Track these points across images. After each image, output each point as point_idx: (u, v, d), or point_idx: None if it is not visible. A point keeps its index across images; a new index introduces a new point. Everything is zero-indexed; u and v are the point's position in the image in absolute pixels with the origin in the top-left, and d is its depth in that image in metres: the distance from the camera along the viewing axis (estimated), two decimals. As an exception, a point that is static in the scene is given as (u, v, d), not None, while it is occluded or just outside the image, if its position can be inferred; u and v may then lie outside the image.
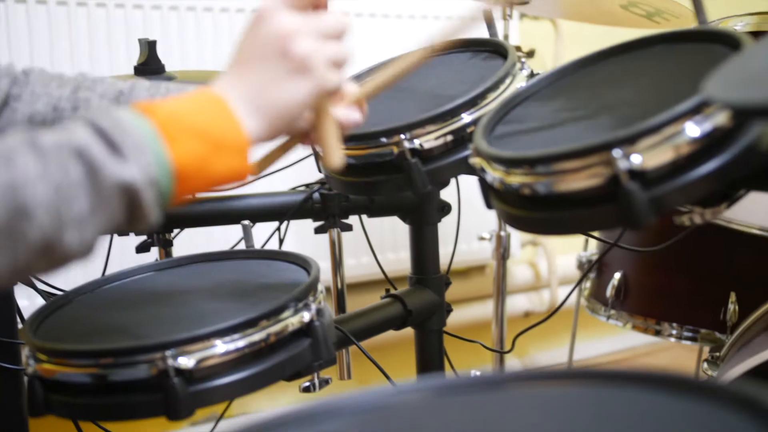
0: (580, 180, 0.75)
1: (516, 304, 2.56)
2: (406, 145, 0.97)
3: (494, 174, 0.82)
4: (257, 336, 0.87)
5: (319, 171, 1.09)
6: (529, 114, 0.92)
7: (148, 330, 0.91)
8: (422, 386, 0.53)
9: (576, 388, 0.51)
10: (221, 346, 0.85)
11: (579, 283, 1.73)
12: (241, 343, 0.86)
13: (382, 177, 0.99)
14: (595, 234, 1.39)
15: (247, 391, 0.89)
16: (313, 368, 1.08)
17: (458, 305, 2.28)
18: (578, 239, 1.77)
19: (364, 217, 1.35)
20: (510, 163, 0.78)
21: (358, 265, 2.01)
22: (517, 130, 0.89)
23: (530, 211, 0.79)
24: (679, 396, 0.47)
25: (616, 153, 0.72)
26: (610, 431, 0.45)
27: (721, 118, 0.73)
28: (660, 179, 0.73)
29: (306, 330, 0.92)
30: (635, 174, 0.72)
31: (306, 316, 0.91)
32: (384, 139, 0.98)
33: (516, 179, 0.79)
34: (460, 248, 2.33)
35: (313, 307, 0.92)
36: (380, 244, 2.00)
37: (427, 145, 0.97)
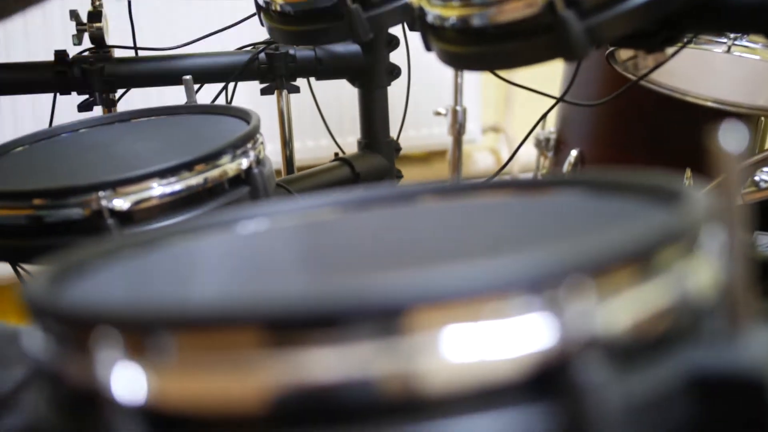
0: (516, 10, 0.73)
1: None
2: (347, -10, 0.94)
3: (432, 10, 0.80)
4: (194, 180, 0.86)
5: (261, 24, 1.06)
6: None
7: (84, 175, 0.90)
8: (331, 201, 0.52)
9: (490, 198, 0.51)
10: (157, 189, 0.84)
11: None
12: (177, 187, 0.85)
13: (324, 25, 0.97)
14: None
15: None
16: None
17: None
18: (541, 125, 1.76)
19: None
20: (446, -6, 0.77)
21: (315, 147, 1.99)
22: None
23: (468, 46, 0.78)
24: (595, 195, 0.47)
25: (552, -21, 0.70)
26: (517, 229, 0.44)
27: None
28: (595, 9, 0.72)
29: (245, 177, 0.91)
30: (570, 2, 0.71)
31: (244, 163, 0.90)
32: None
33: (453, 12, 0.77)
34: (419, 132, 2.32)
35: (252, 154, 0.91)
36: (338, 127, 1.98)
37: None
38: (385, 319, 0.30)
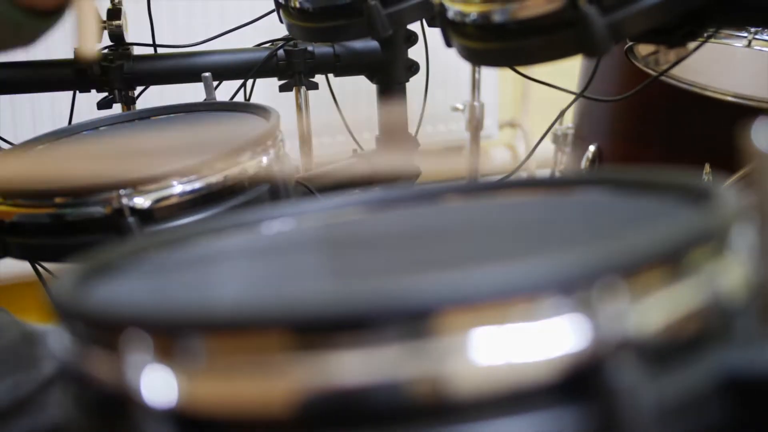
0: (538, 6, 0.73)
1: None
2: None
3: (453, 6, 0.80)
4: (214, 178, 0.86)
5: (280, 21, 1.06)
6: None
7: (105, 173, 0.90)
8: (354, 201, 0.52)
9: (516, 197, 0.50)
10: (178, 187, 0.84)
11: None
12: (198, 185, 0.85)
13: (343, 21, 0.97)
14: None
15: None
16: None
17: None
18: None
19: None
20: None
21: (332, 143, 1.99)
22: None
23: (489, 42, 0.78)
24: (621, 194, 0.46)
25: (574, -26, 0.70)
26: (544, 228, 0.44)
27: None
28: (618, 4, 0.71)
29: (265, 175, 0.91)
30: (593, -2, 0.70)
31: (264, 160, 0.90)
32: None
33: (474, 8, 0.77)
34: (437, 128, 2.31)
35: (272, 152, 0.91)
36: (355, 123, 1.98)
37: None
38: (414, 321, 0.30)
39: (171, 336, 0.31)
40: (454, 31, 0.83)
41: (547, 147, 2.22)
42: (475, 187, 0.52)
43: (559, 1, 0.72)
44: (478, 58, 0.81)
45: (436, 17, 0.85)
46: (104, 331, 0.33)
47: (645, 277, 0.30)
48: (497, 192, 0.51)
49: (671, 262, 0.31)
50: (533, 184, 0.51)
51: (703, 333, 0.31)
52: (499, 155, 2.57)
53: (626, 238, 0.36)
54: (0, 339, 0.76)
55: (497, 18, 0.76)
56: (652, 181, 0.46)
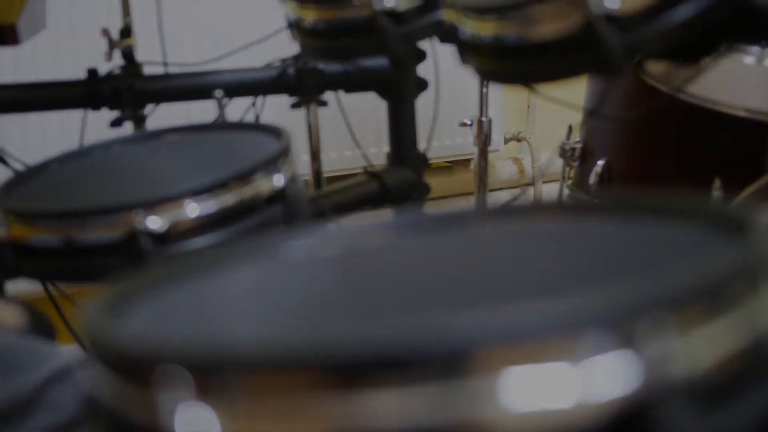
0: (554, 26, 0.73)
1: (499, 200, 2.56)
2: (379, 5, 0.94)
3: (467, 26, 0.80)
4: (228, 198, 0.86)
5: (292, 40, 1.06)
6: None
7: (118, 194, 0.90)
8: (379, 226, 0.51)
9: (543, 223, 0.50)
10: (191, 208, 0.84)
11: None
12: (211, 205, 0.85)
13: (354, 40, 0.97)
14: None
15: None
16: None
17: (442, 202, 2.28)
18: (563, 133, 1.75)
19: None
20: (482, 11, 0.76)
21: (337, 158, 1.99)
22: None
23: (504, 61, 0.77)
24: (652, 220, 0.45)
25: (591, -5, 0.70)
26: (572, 257, 0.44)
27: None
28: (634, 23, 0.71)
29: (278, 195, 0.90)
30: (610, 17, 0.70)
31: (277, 180, 0.90)
32: (355, 1, 0.95)
33: (489, 29, 0.77)
34: (443, 143, 2.31)
35: (285, 172, 0.91)
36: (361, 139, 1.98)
37: (399, 6, 0.95)
38: (451, 362, 0.30)
39: (209, 373, 0.31)
40: (469, 49, 0.83)
41: (554, 159, 2.22)
42: (498, 212, 0.52)
43: (575, 22, 0.72)
44: (493, 76, 0.81)
45: (450, 35, 0.84)
46: (139, 366, 0.32)
47: (691, 314, 0.30)
48: (523, 217, 0.50)
49: (716, 296, 0.30)
50: (558, 209, 0.51)
51: (748, 370, 0.31)
52: (504, 169, 2.56)
53: (669, 272, 0.35)
54: None
55: (513, 38, 0.75)
56: (678, 208, 0.45)
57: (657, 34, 0.71)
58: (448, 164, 2.42)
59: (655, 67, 1.32)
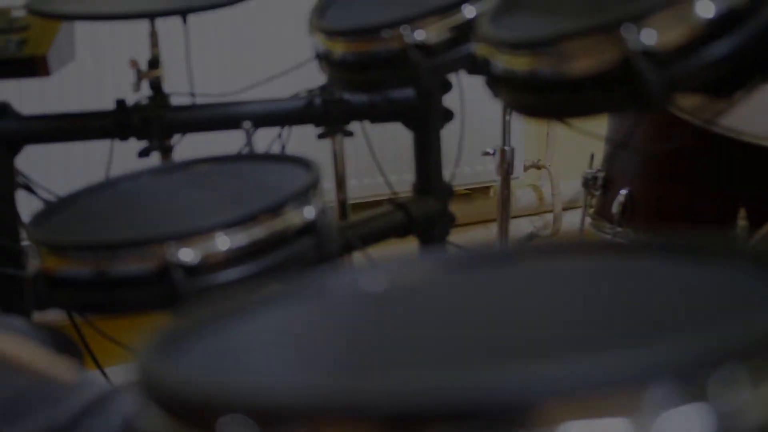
0: (591, 62, 0.72)
1: (519, 227, 2.56)
2: (410, 38, 0.94)
3: (500, 60, 0.80)
4: (260, 231, 0.86)
5: (322, 70, 1.07)
6: (534, 3, 0.90)
7: (149, 226, 0.90)
8: (424, 263, 0.51)
9: (590, 262, 0.49)
10: (223, 240, 0.84)
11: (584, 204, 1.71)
12: (243, 238, 0.85)
13: (384, 72, 0.97)
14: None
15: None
16: (317, 267, 1.07)
17: (461, 229, 2.27)
18: (584, 162, 1.75)
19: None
20: (515, 46, 0.76)
21: (360, 185, 1.99)
22: (523, 16, 0.86)
23: (539, 96, 0.77)
24: (706, 264, 0.44)
25: (627, 30, 0.70)
26: (627, 301, 0.43)
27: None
28: (675, 59, 0.70)
29: (309, 227, 0.90)
30: (647, 53, 0.70)
31: (308, 212, 0.90)
32: (385, 33, 0.95)
33: (523, 64, 0.76)
34: (463, 170, 2.31)
35: (315, 204, 0.91)
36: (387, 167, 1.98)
37: (430, 39, 0.95)
38: (513, 415, 0.29)
39: (273, 423, 0.31)
40: (501, 83, 0.83)
41: (573, 187, 2.21)
42: (544, 249, 0.52)
43: (611, 57, 0.71)
44: (526, 111, 0.81)
45: (483, 68, 0.84)
46: (201, 414, 0.32)
47: (763, 364, 0.29)
48: (567, 255, 0.50)
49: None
50: (600, 247, 0.50)
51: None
52: (524, 196, 2.56)
53: (737, 319, 0.35)
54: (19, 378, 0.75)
55: (547, 73, 0.75)
56: (724, 248, 0.45)
57: (696, 69, 0.70)
58: (467, 191, 2.41)
59: (684, 100, 1.31)
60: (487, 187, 2.46)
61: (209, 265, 0.84)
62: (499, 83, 0.83)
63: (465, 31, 0.96)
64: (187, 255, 0.83)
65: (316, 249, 0.91)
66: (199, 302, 0.47)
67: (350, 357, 0.39)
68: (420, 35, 0.95)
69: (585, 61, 0.72)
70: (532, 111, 0.80)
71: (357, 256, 1.21)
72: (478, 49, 0.83)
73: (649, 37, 0.68)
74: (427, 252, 0.52)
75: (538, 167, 2.58)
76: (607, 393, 0.29)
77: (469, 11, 0.96)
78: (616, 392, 0.29)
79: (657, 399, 0.29)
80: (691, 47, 0.70)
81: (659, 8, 0.68)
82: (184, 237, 0.83)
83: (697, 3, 0.69)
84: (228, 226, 0.84)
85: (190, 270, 0.83)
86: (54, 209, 0.97)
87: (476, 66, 0.86)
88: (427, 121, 1.26)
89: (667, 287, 0.42)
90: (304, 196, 0.90)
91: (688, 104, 1.30)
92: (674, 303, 0.39)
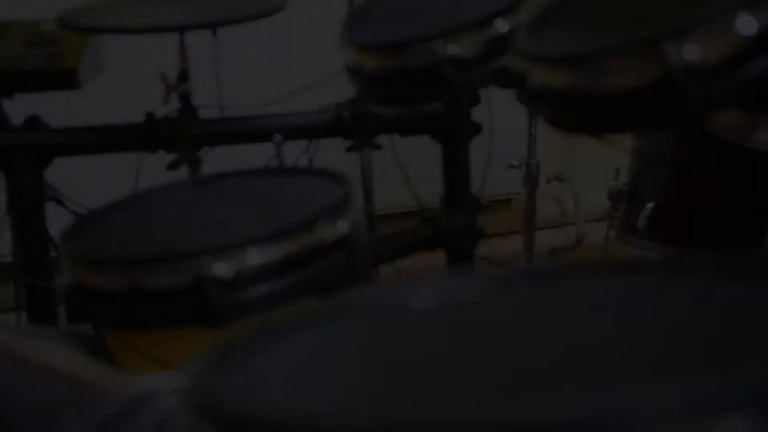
0: (629, 77, 0.72)
1: (541, 240, 2.54)
2: (443, 53, 0.94)
3: (537, 75, 0.79)
4: (293, 245, 0.86)
5: (352, 83, 1.06)
6: (570, 17, 0.89)
7: (182, 240, 0.90)
8: (475, 280, 0.50)
9: (640, 282, 0.48)
10: (257, 255, 0.84)
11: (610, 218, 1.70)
12: (276, 252, 0.85)
13: (417, 87, 0.97)
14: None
15: (283, 303, 0.87)
16: (349, 282, 1.07)
17: (482, 241, 2.26)
18: (606, 175, 1.74)
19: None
20: (554, 61, 0.76)
21: (386, 197, 1.98)
22: (560, 30, 0.86)
23: (577, 111, 0.77)
24: (752, 284, 0.44)
25: (669, 46, 0.69)
26: (674, 321, 0.42)
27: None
28: (715, 74, 0.70)
29: (342, 242, 0.90)
30: (689, 69, 0.69)
31: (341, 226, 0.90)
32: (418, 48, 0.95)
33: (561, 78, 0.76)
34: (486, 183, 2.30)
35: (348, 218, 0.91)
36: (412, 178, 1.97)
37: (462, 54, 0.95)
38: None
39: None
40: (538, 98, 0.82)
41: (596, 199, 2.20)
42: (589, 268, 0.51)
43: (651, 73, 0.71)
44: (563, 125, 0.80)
45: (517, 84, 0.84)
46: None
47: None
48: (613, 273, 0.49)
49: None
50: (653, 266, 0.50)
51: None
52: (545, 209, 2.55)
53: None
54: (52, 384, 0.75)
55: (586, 89, 0.75)
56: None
57: (737, 85, 0.70)
58: (489, 203, 2.41)
59: (719, 116, 1.30)
60: (509, 200, 2.45)
61: (243, 280, 0.83)
62: (535, 98, 0.82)
63: (498, 45, 0.96)
64: (221, 269, 0.82)
65: (349, 263, 0.91)
66: (251, 319, 0.47)
67: (409, 379, 0.39)
68: (453, 50, 0.95)
69: (625, 76, 0.71)
70: (569, 126, 0.79)
71: (385, 270, 1.21)
72: (514, 63, 0.83)
73: (691, 52, 0.68)
74: (473, 269, 0.51)
75: (560, 180, 2.57)
76: (693, 420, 0.29)
77: (501, 25, 0.95)
78: (702, 420, 0.28)
79: (739, 427, 0.28)
80: (733, 63, 0.70)
81: (702, 23, 0.68)
82: (219, 251, 0.83)
83: (739, 19, 0.68)
84: (262, 240, 0.84)
85: (224, 284, 0.82)
86: (85, 222, 0.97)
87: (509, 80, 0.85)
88: (455, 134, 1.25)
89: (723, 309, 0.41)
90: (337, 210, 0.90)
91: (719, 119, 1.29)
92: (734, 325, 0.39)
